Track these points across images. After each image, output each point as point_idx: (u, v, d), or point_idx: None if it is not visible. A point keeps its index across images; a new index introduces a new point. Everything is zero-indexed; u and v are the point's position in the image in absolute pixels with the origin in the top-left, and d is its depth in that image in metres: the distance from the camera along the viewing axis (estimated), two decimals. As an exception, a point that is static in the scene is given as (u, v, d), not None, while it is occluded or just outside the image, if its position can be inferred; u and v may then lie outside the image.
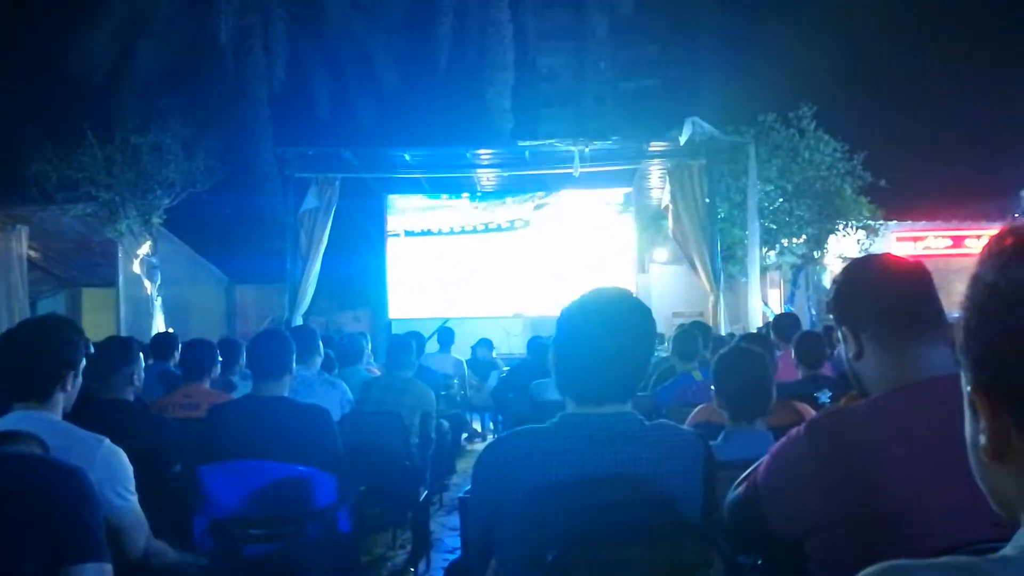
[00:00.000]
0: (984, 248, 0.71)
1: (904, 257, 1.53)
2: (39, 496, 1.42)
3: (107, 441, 2.05)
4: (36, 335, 2.03)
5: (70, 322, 2.25)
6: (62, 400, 2.04)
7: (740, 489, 1.53)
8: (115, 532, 1.96)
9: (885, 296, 1.41)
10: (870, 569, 0.67)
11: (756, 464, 1.53)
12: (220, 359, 4.22)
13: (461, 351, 8.72)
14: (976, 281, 0.69)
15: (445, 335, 8.19)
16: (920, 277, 1.43)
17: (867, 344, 1.42)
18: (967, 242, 12.79)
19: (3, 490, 1.41)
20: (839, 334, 1.51)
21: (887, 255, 1.55)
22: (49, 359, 2.00)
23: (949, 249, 12.80)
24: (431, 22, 17.45)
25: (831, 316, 1.57)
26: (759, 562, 1.75)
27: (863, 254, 10.36)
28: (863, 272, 1.50)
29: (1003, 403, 0.66)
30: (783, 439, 1.44)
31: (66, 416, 2.10)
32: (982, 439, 0.68)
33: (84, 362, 2.12)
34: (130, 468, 2.09)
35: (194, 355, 3.97)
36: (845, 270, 1.54)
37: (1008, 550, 0.66)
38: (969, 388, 0.69)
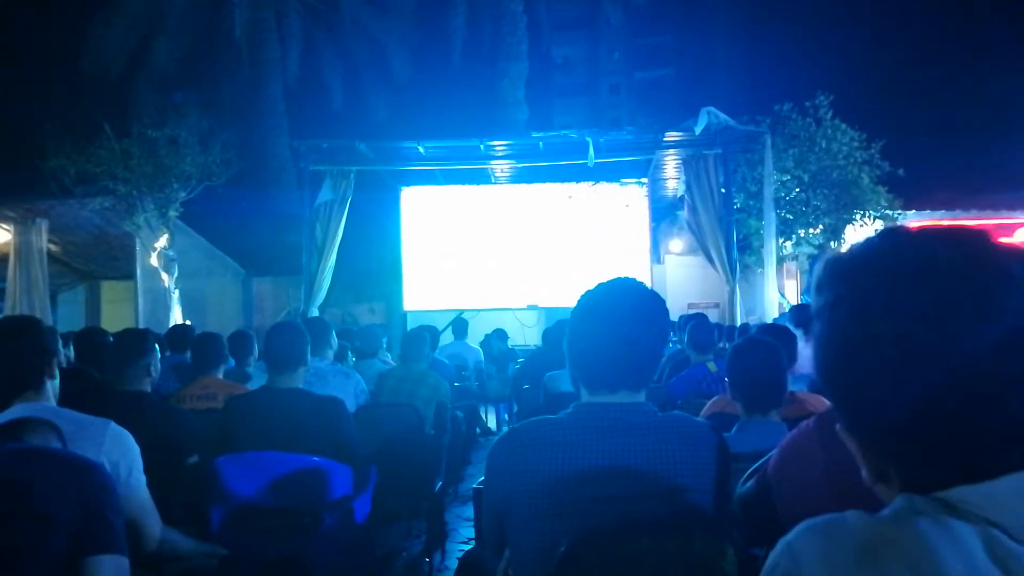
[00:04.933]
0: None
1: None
2: (58, 490, 1.44)
3: (113, 423, 2.11)
4: (13, 331, 2.10)
5: (35, 317, 2.34)
6: (51, 389, 2.09)
7: (751, 482, 1.53)
8: (130, 518, 1.99)
9: None
10: (794, 530, 0.73)
11: (767, 456, 1.52)
12: (228, 351, 4.27)
13: (473, 343, 8.74)
14: (816, 319, 0.74)
15: (459, 325, 8.20)
16: None
17: None
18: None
19: (23, 484, 1.43)
20: None
21: None
22: (33, 349, 2.07)
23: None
24: (445, 14, 17.43)
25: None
26: (772, 554, 1.74)
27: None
28: None
29: (867, 443, 0.73)
30: (793, 431, 1.43)
31: (84, 408, 2.14)
32: (863, 471, 0.75)
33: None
34: (138, 449, 2.15)
35: (202, 349, 4.01)
36: None
37: (896, 503, 0.71)
38: (839, 426, 0.76)
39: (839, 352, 0.71)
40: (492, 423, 8.43)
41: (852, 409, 0.72)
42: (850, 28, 18.42)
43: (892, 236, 0.72)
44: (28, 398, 2.03)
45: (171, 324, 8.47)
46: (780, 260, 10.38)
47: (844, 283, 0.71)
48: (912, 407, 0.67)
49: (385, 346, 6.39)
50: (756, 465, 1.56)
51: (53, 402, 2.11)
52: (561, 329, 5.68)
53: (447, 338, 8.27)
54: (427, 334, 5.08)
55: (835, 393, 0.73)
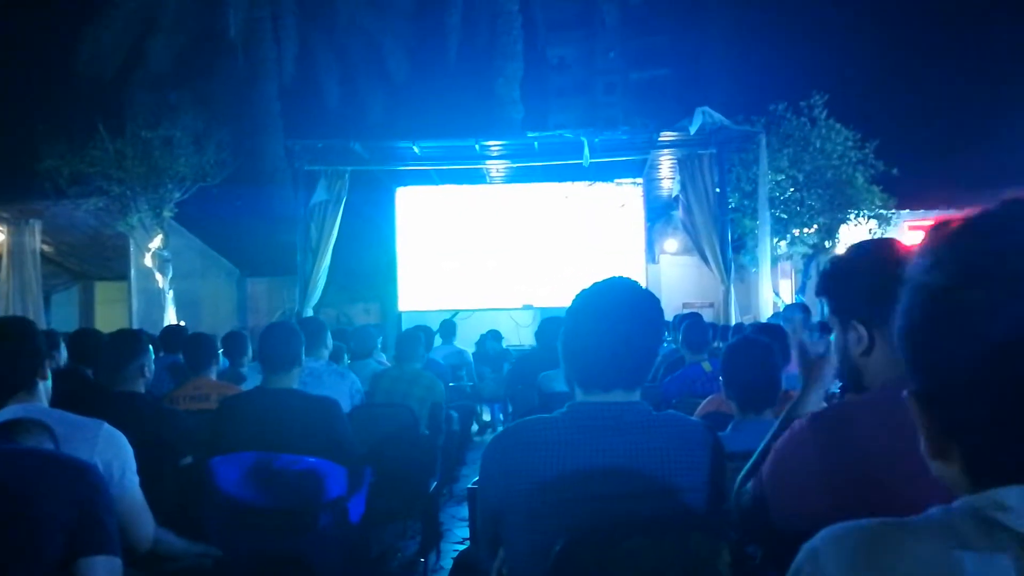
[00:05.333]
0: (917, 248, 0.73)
1: (908, 245, 1.39)
2: (52, 492, 1.44)
3: (106, 424, 2.11)
4: (5, 332, 2.10)
5: (27, 318, 2.34)
6: (43, 390, 2.09)
7: (747, 488, 1.51)
8: (124, 518, 1.99)
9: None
10: (816, 537, 0.72)
11: (759, 449, 1.51)
12: (221, 350, 4.25)
13: (467, 343, 8.72)
14: (906, 285, 0.72)
15: (447, 328, 8.20)
16: None
17: (880, 341, 1.35)
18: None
19: (16, 486, 1.42)
20: (845, 325, 1.40)
21: (894, 242, 1.44)
22: (26, 351, 2.07)
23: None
24: (440, 13, 17.43)
25: (828, 304, 1.44)
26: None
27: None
28: (881, 264, 1.36)
29: (933, 411, 0.70)
30: (786, 434, 1.41)
31: (78, 409, 2.14)
32: (922, 443, 0.72)
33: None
34: (131, 450, 2.15)
35: (194, 349, 3.99)
36: (855, 259, 1.42)
37: (932, 511, 0.70)
38: (906, 392, 0.73)
39: (924, 310, 0.70)
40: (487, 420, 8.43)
41: (926, 370, 0.71)
42: (844, 28, 18.47)
43: (1009, 205, 0.70)
44: (20, 399, 2.03)
45: (165, 325, 8.45)
46: (775, 260, 10.40)
47: (946, 247, 0.71)
48: (989, 368, 0.65)
49: (380, 346, 6.38)
50: (751, 462, 1.55)
51: (45, 403, 2.11)
52: (552, 327, 5.69)
53: (436, 342, 8.26)
54: (422, 334, 5.08)
55: (911, 353, 0.72)
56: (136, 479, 2.14)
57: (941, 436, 0.70)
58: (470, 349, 8.45)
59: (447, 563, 4.20)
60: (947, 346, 0.68)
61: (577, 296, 1.68)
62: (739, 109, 9.80)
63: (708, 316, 8.64)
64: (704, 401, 3.14)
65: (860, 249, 1.47)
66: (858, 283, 1.38)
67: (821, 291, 1.47)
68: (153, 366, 3.10)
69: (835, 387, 3.43)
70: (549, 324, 5.78)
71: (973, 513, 0.66)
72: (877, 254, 1.41)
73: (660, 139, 9.94)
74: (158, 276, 10.04)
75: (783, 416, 1.63)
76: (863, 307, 1.37)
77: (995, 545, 0.64)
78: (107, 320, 11.87)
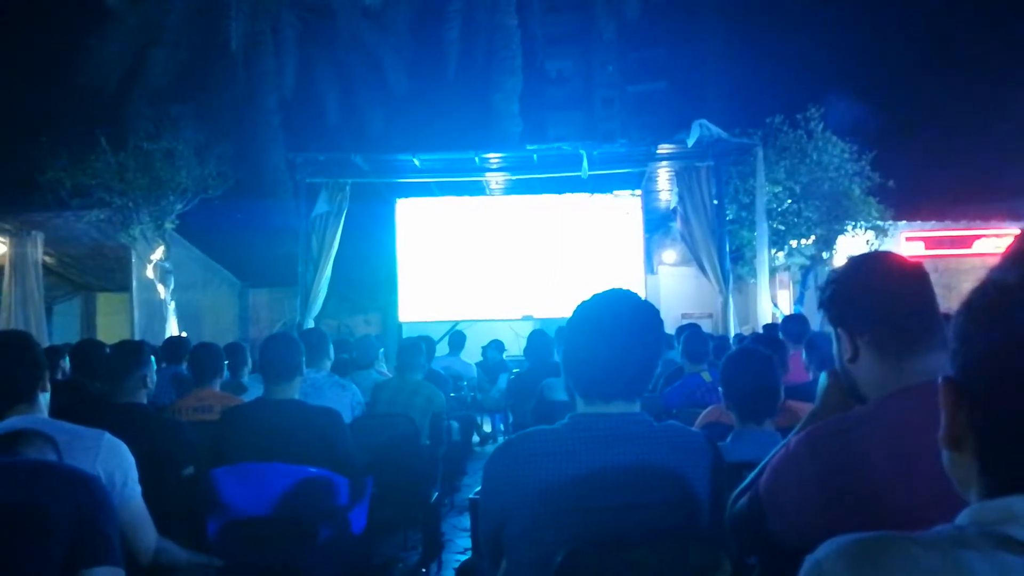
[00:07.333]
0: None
1: (906, 258, 1.44)
2: (55, 503, 1.45)
3: (108, 434, 2.13)
4: (6, 345, 2.13)
5: (26, 332, 2.38)
6: (43, 402, 2.11)
7: (742, 501, 1.51)
8: (126, 528, 2.00)
9: (887, 304, 1.35)
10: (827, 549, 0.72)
11: (758, 468, 1.51)
12: (227, 362, 4.26)
13: (472, 354, 8.73)
14: (983, 279, 0.74)
15: (456, 339, 8.20)
16: (922, 282, 1.37)
17: (863, 349, 1.37)
18: (976, 243, 12.71)
19: (18, 499, 1.43)
20: (834, 334, 1.44)
21: (888, 255, 1.46)
22: (27, 363, 2.10)
23: (958, 249, 12.72)
24: (440, 27, 17.52)
25: (825, 313, 1.48)
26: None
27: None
28: (864, 275, 1.41)
29: (962, 398, 0.71)
30: (781, 451, 1.40)
31: (80, 420, 2.15)
32: (940, 431, 0.73)
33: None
34: (132, 459, 2.16)
35: (200, 359, 3.99)
36: (845, 270, 1.45)
37: (940, 527, 0.70)
38: (941, 377, 0.74)
39: (987, 301, 0.72)
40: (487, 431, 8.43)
41: (971, 360, 0.72)
42: (840, 42, 18.59)
43: None
44: (21, 411, 2.05)
45: (167, 336, 8.46)
46: (773, 271, 10.44)
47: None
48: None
49: (382, 356, 6.40)
50: (748, 479, 1.56)
51: (45, 414, 2.12)
52: (540, 340, 5.68)
53: (443, 349, 8.26)
54: (423, 344, 5.08)
55: (960, 343, 0.73)
56: (138, 488, 2.15)
57: (963, 427, 0.72)
58: (471, 360, 8.47)
59: (448, 573, 4.20)
60: (999, 340, 0.69)
61: (577, 308, 1.70)
62: (736, 122, 9.87)
63: (707, 327, 8.66)
64: (704, 411, 3.15)
65: (855, 262, 1.49)
66: (845, 293, 1.41)
67: (820, 303, 1.50)
68: (155, 377, 3.12)
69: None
70: (537, 337, 5.78)
71: (982, 528, 0.66)
72: (868, 267, 1.44)
73: (658, 152, 9.98)
74: (160, 287, 10.06)
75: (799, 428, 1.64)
76: (847, 313, 1.40)
77: (1006, 552, 0.64)
78: (109, 331, 11.89)
